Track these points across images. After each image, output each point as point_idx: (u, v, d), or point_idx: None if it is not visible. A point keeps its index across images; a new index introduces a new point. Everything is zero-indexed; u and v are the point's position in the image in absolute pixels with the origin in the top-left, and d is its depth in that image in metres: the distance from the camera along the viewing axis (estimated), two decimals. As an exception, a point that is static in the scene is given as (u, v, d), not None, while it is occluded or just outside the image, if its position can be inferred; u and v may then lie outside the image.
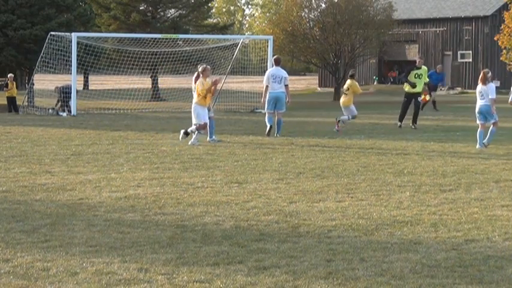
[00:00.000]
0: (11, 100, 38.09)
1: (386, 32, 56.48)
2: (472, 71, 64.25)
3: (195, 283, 7.22)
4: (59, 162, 15.88)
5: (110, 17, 51.15)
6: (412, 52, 68.74)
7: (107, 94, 43.71)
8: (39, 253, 8.26)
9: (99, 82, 66.28)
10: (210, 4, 58.49)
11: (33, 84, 40.78)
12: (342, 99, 24.73)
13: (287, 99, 22.39)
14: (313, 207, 11.00)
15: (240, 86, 44.44)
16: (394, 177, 13.95)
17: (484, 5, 64.93)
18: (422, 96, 32.63)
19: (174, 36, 40.65)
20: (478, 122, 19.10)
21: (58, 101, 35.37)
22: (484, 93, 18.87)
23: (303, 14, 56.61)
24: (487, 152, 18.04)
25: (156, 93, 50.61)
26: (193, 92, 20.26)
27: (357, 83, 24.70)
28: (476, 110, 19.11)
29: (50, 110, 35.00)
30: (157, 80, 51.99)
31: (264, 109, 23.18)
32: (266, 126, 22.04)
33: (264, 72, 25.73)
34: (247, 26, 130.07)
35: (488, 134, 18.94)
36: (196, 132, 19.59)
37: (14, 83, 39.08)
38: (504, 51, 52.17)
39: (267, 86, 22.11)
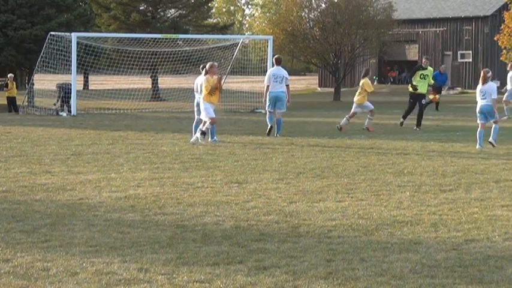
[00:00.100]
0: (11, 100, 38.10)
1: (386, 32, 56.50)
2: (472, 71, 64.28)
3: (195, 283, 7.22)
4: (59, 162, 15.88)
5: (110, 17, 51.17)
6: (412, 52, 68.78)
7: (107, 94, 43.72)
8: (39, 253, 8.26)
9: (99, 82, 66.31)
10: (210, 4, 58.51)
11: (33, 84, 40.79)
12: (355, 97, 24.32)
13: (287, 99, 22.38)
14: (313, 207, 11.00)
15: (240, 86, 44.45)
16: (394, 177, 13.95)
17: (484, 5, 64.94)
18: (431, 97, 32.56)
19: (174, 36, 40.64)
20: (478, 121, 19.08)
21: (58, 99, 35.43)
22: (486, 93, 18.79)
23: (303, 14, 56.64)
24: (487, 152, 18.04)
25: (156, 93, 50.64)
26: (195, 92, 20.39)
27: (369, 81, 24.12)
28: (477, 109, 19.08)
29: (53, 106, 35.15)
30: (157, 80, 52.01)
31: (264, 109, 23.18)
32: (267, 125, 22.08)
33: (264, 72, 25.76)
34: (247, 26, 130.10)
35: (492, 131, 18.92)
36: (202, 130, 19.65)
37: (14, 83, 39.10)
38: (504, 51, 52.18)
39: (267, 86, 22.11)
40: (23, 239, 8.93)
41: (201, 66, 20.74)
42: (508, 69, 32.61)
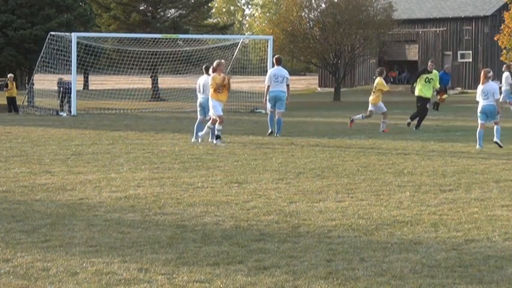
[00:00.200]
0: (11, 100, 38.12)
1: (386, 32, 56.52)
2: (472, 71, 64.28)
3: (195, 283, 7.21)
4: (59, 162, 15.88)
5: (110, 17, 51.18)
6: (412, 52, 68.79)
7: (107, 94, 43.73)
8: (39, 253, 8.25)
9: (99, 82, 66.32)
10: (210, 4, 58.54)
11: (33, 84, 40.81)
12: (370, 97, 23.94)
13: (287, 99, 22.39)
14: (313, 207, 11.00)
15: (240, 86, 44.43)
16: (394, 177, 13.95)
17: (484, 5, 64.95)
18: (438, 97, 32.46)
19: (174, 36, 40.66)
20: (479, 121, 18.99)
21: (59, 95, 35.65)
22: (488, 93, 18.69)
23: (303, 14, 56.68)
24: (487, 152, 18.04)
25: (156, 93, 50.66)
26: (197, 92, 20.55)
27: (383, 81, 23.37)
28: (479, 109, 18.97)
29: (59, 103, 35.38)
30: (157, 80, 52.03)
31: (264, 109, 23.20)
32: (268, 127, 22.15)
33: (264, 72, 25.76)
34: (247, 26, 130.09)
35: (495, 132, 18.87)
36: (206, 128, 19.68)
37: (14, 83, 39.11)
38: (504, 51, 52.19)
39: (268, 86, 22.11)
40: (23, 239, 8.92)
41: (204, 67, 20.75)
42: (503, 70, 32.44)
